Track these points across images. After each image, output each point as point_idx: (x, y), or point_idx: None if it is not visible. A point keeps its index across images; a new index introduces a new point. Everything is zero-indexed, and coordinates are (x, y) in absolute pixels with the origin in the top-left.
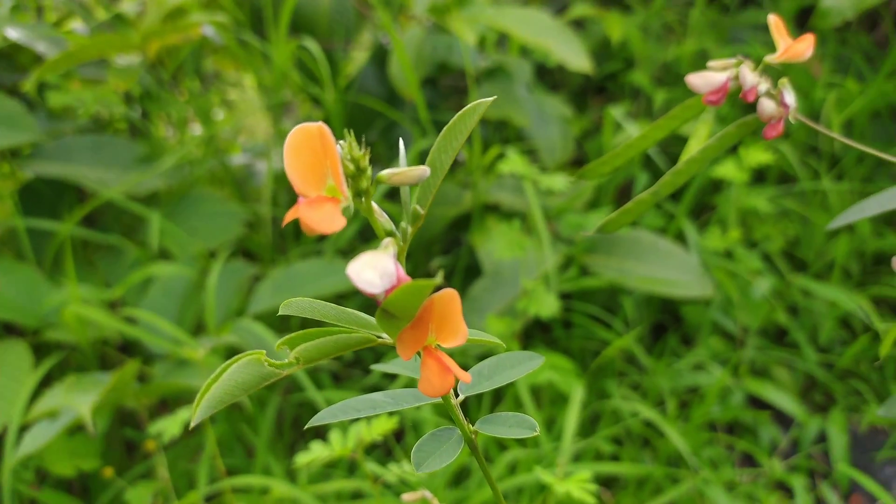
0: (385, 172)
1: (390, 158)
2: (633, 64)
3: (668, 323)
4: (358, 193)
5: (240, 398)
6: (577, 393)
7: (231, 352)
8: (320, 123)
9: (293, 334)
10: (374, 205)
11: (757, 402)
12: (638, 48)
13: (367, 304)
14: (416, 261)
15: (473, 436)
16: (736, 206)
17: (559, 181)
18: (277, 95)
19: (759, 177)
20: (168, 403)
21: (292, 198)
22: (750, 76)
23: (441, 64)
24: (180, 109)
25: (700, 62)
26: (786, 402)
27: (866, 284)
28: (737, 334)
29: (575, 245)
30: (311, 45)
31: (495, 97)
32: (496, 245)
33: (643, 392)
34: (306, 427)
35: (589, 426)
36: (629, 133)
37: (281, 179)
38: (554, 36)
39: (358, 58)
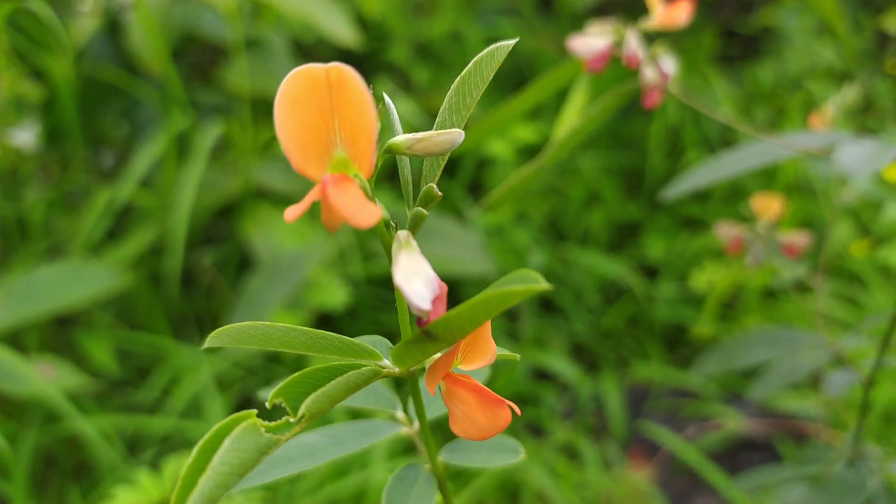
0: (402, 139)
1: (133, 142)
2: (385, 40)
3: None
4: None
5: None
6: None
7: None
8: (333, 65)
9: (287, 381)
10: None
11: (534, 372)
12: (396, 25)
13: (121, 308)
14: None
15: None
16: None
17: None
18: None
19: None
20: None
21: (7, 188)
22: (635, 43)
23: (188, 35)
24: None
25: (454, 41)
26: (563, 367)
27: (615, 250)
28: (514, 308)
29: (358, 229)
30: (37, 3)
31: (514, 41)
32: (278, 234)
33: None
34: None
35: None
36: (397, 109)
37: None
38: (319, 8)
39: (84, 26)
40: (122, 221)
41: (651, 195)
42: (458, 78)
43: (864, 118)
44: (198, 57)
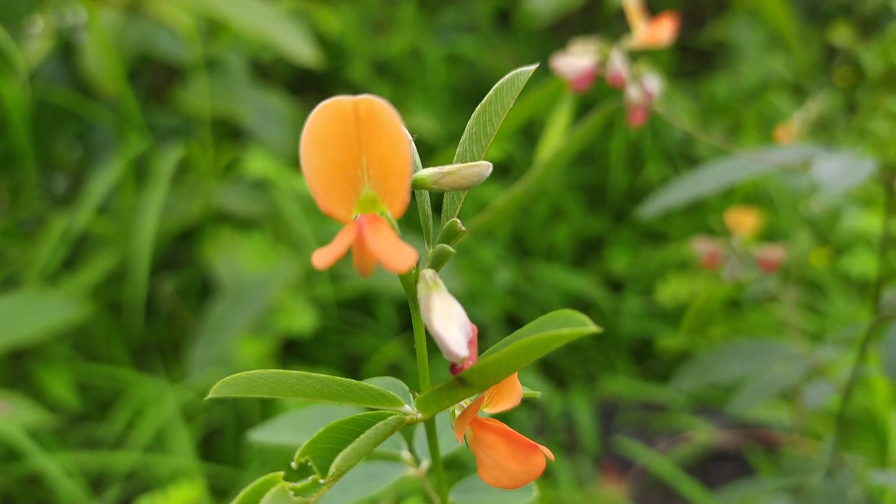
0: (428, 172)
1: (86, 166)
2: (344, 58)
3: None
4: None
5: None
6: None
7: None
8: (362, 98)
9: (313, 438)
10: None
11: None
12: (354, 43)
13: (79, 339)
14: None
15: None
16: (471, 198)
17: None
18: None
19: None
20: None
21: None
22: (619, 62)
23: (143, 56)
24: None
25: (413, 59)
26: (532, 384)
27: (579, 265)
28: (484, 324)
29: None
30: None
31: (534, 66)
32: (241, 258)
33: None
34: None
35: None
36: None
37: None
38: (278, 26)
39: (37, 48)
40: (78, 249)
41: (613, 209)
42: (479, 107)
43: (817, 129)
44: (152, 78)
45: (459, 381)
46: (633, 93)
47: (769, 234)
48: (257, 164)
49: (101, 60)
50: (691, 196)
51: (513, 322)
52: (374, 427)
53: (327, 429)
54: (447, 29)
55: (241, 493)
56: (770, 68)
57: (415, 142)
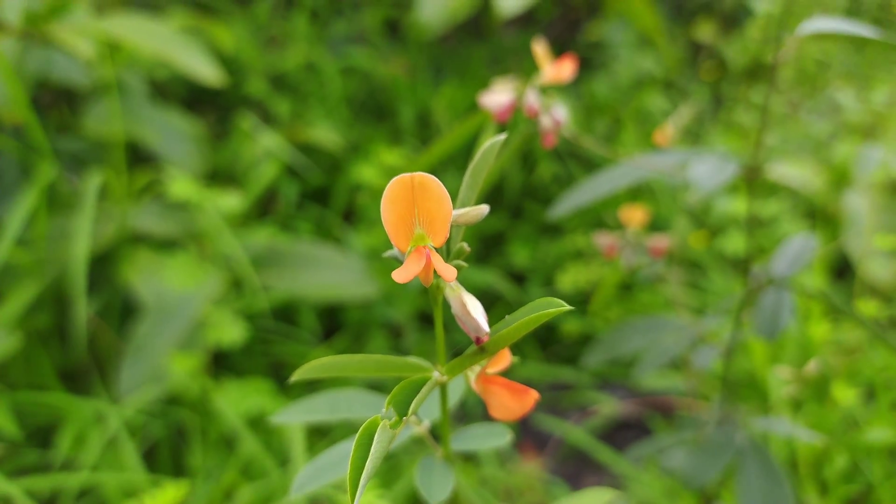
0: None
1: None
2: (241, 74)
3: (334, 328)
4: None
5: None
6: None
7: None
8: (416, 174)
9: (392, 394)
10: None
11: None
12: (250, 58)
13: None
14: (55, 310)
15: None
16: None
17: (235, 200)
18: None
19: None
20: None
21: None
22: (533, 97)
23: (41, 81)
24: None
25: (309, 72)
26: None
27: (483, 261)
28: (400, 324)
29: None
30: None
31: (503, 136)
32: (166, 277)
33: None
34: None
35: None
36: (264, 143)
37: None
38: (179, 47)
39: None
40: None
41: (511, 206)
42: (471, 166)
43: (690, 127)
44: (53, 100)
45: (482, 349)
46: (545, 121)
47: (652, 223)
48: (180, 186)
49: (3, 88)
50: (592, 197)
51: (426, 319)
52: (428, 384)
53: (400, 387)
54: (339, 41)
55: (361, 429)
56: (641, 67)
57: (318, 153)
